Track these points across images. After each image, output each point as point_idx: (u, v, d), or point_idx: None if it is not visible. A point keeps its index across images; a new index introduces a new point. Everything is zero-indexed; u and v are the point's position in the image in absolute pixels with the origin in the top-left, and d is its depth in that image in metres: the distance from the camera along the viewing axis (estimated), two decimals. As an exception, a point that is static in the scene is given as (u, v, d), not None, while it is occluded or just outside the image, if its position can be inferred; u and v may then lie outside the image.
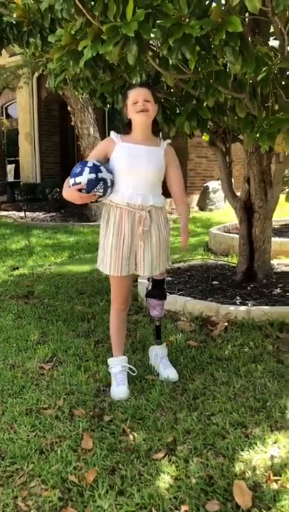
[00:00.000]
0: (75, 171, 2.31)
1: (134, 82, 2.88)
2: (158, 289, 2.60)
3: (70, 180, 2.32)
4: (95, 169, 2.28)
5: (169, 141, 2.51)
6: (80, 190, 2.29)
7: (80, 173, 2.28)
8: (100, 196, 2.33)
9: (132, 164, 2.35)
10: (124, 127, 2.44)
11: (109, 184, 2.32)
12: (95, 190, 2.28)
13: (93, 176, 2.27)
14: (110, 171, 2.35)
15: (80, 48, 2.68)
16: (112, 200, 2.38)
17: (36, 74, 11.41)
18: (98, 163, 2.32)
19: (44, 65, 3.69)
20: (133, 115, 2.36)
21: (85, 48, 2.65)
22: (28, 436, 2.09)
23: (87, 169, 2.28)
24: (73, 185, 2.30)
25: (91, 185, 2.27)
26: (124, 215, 2.36)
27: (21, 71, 10.81)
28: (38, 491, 1.75)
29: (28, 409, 2.30)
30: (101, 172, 2.29)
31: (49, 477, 1.81)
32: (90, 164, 2.30)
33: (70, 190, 2.30)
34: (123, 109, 2.43)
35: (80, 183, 2.28)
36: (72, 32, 2.75)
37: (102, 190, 2.30)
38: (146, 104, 2.33)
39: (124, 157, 2.36)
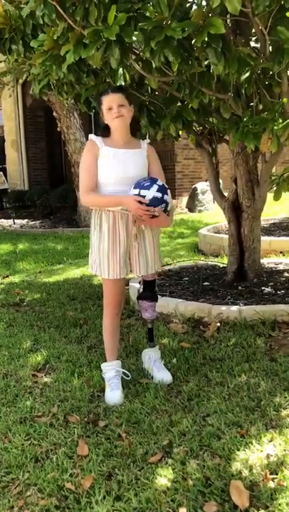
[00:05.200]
0: (143, 184, 2.31)
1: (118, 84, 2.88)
2: (149, 290, 2.60)
3: (134, 191, 2.31)
4: (163, 190, 2.31)
5: (148, 140, 2.53)
6: (140, 202, 2.29)
7: (148, 188, 2.29)
8: (154, 216, 2.31)
9: (120, 169, 2.35)
10: (103, 131, 2.44)
11: (168, 208, 2.35)
12: (154, 209, 2.29)
13: (159, 195, 2.29)
14: (169, 195, 2.38)
15: (62, 53, 2.68)
16: None
17: (20, 81, 11.39)
18: (166, 186, 2.36)
19: (28, 72, 3.69)
20: (109, 121, 2.37)
21: (67, 52, 2.65)
22: (22, 445, 2.07)
23: (155, 186, 2.29)
24: (135, 195, 2.30)
25: (154, 203, 2.28)
26: (118, 218, 2.36)
27: (5, 79, 10.77)
28: (34, 500, 1.74)
29: (22, 417, 2.28)
30: (167, 195, 2.33)
31: (45, 485, 1.80)
32: (159, 183, 2.32)
33: (132, 198, 2.27)
34: (100, 114, 2.42)
35: (144, 196, 2.27)
36: (55, 37, 2.75)
37: (161, 212, 2.31)
38: (121, 109, 2.32)
39: (111, 162, 2.35)
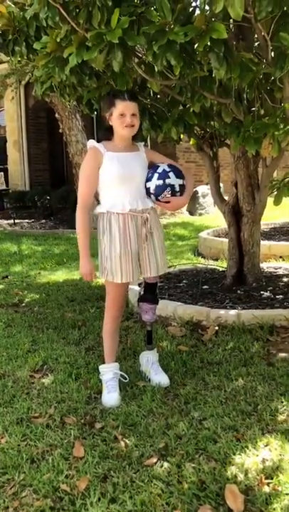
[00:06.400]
0: (146, 176, 2.43)
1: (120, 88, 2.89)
2: (150, 292, 2.60)
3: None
4: (164, 175, 2.38)
5: (142, 142, 2.58)
6: (149, 195, 2.42)
7: (150, 179, 2.40)
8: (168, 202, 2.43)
9: (125, 173, 2.36)
10: (106, 132, 2.43)
11: (177, 189, 2.40)
12: (162, 196, 2.38)
13: (160, 182, 2.37)
14: (180, 176, 2.42)
15: (65, 55, 2.69)
16: (112, 210, 2.37)
17: (23, 82, 11.40)
18: (168, 169, 2.41)
19: (31, 73, 3.71)
20: (117, 127, 2.36)
21: (70, 55, 2.66)
22: (19, 445, 2.07)
23: (156, 175, 2.39)
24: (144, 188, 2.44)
25: (159, 190, 2.38)
26: (128, 220, 2.37)
27: (8, 80, 10.79)
28: (29, 501, 1.74)
29: (18, 418, 2.29)
30: (169, 178, 2.38)
31: (40, 486, 1.80)
32: (159, 170, 2.40)
33: (87, 270, 2.39)
34: (105, 114, 2.39)
35: (149, 188, 2.40)
36: (58, 39, 2.76)
37: (169, 196, 2.40)
38: (133, 119, 2.34)
39: (116, 167, 2.35)
